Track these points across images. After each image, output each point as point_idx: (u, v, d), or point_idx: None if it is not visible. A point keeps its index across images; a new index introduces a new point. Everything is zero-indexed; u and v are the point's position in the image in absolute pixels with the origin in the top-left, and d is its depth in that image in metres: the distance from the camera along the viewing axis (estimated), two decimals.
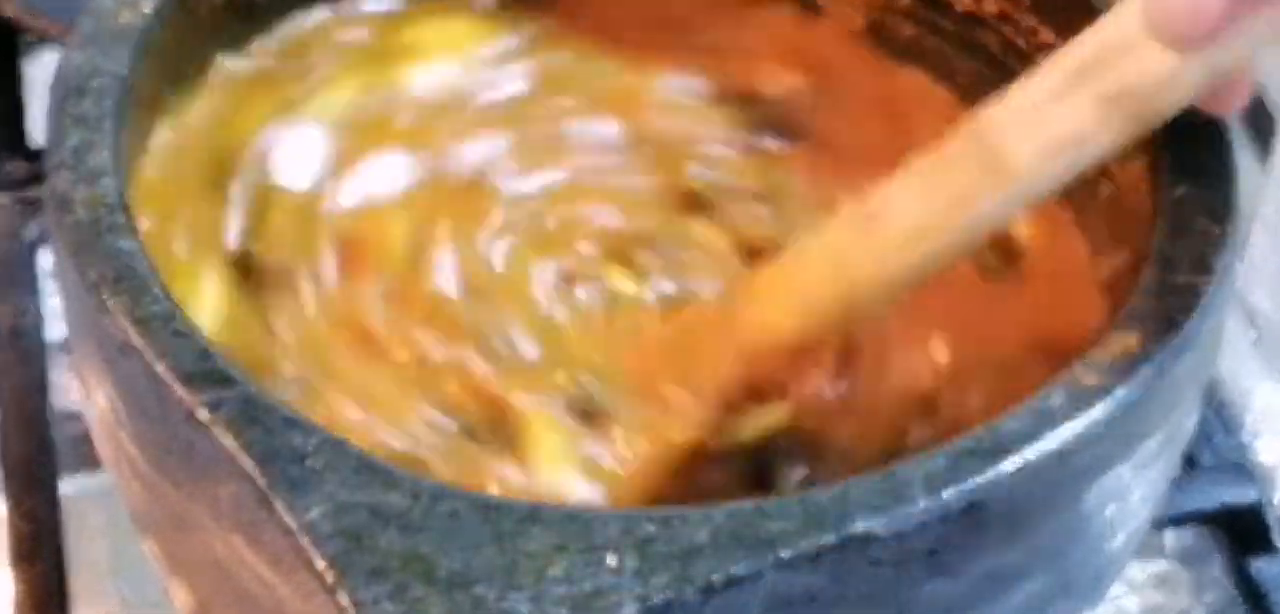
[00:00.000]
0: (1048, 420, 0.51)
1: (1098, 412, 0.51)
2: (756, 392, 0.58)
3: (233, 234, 0.62)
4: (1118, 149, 0.54)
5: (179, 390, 0.50)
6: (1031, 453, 0.50)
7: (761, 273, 0.59)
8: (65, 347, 0.72)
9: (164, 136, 0.62)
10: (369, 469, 0.48)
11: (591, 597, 0.46)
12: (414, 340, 0.61)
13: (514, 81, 0.69)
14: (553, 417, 0.59)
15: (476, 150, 0.66)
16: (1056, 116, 0.53)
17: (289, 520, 0.47)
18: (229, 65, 0.65)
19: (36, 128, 0.81)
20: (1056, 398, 0.51)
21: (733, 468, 0.58)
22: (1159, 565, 0.72)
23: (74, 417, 0.71)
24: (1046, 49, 0.65)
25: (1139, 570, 0.71)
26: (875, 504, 0.48)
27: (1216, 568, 0.71)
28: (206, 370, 0.50)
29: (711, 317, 0.60)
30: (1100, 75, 0.52)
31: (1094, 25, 0.54)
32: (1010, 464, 0.50)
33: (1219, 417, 0.75)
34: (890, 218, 0.55)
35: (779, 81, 0.69)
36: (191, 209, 0.62)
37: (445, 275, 0.63)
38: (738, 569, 0.47)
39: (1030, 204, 0.55)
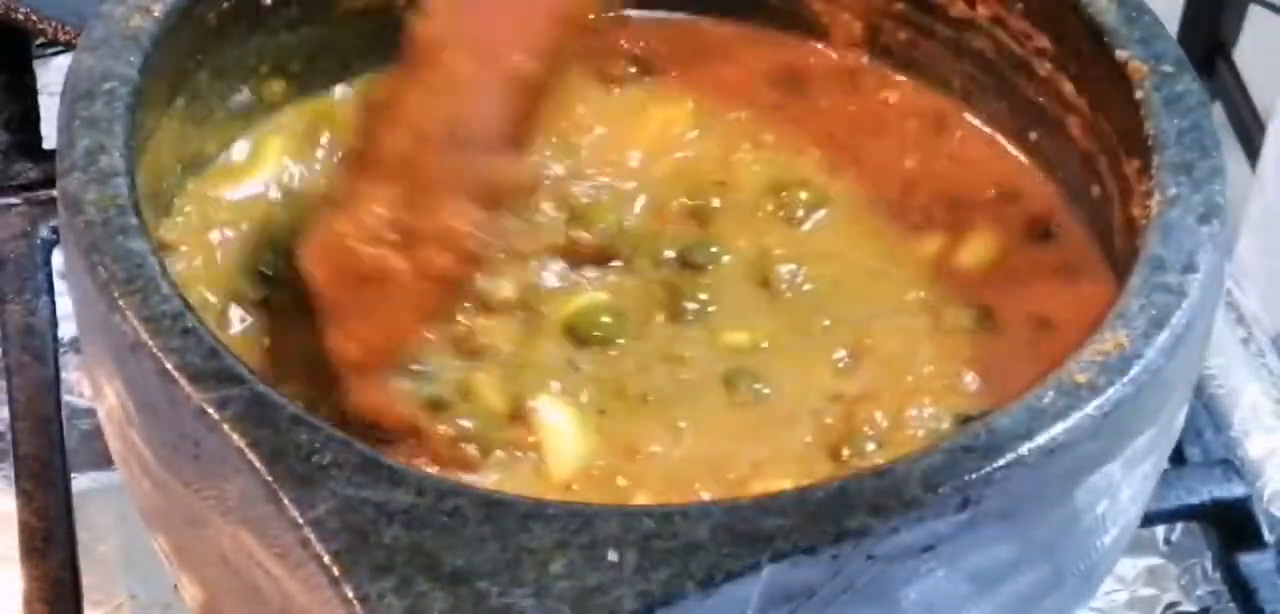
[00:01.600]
0: (1040, 418, 0.51)
1: (1089, 409, 0.52)
2: None
3: None
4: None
5: (188, 388, 0.50)
6: (1024, 450, 0.50)
7: None
8: (76, 345, 0.72)
9: None
10: (374, 466, 0.49)
11: (593, 592, 0.47)
12: None
13: None
14: None
15: None
16: None
17: (296, 516, 0.48)
18: None
19: (49, 130, 0.81)
20: (1048, 396, 0.52)
21: None
22: (1148, 560, 0.71)
23: (85, 414, 0.72)
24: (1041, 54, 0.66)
25: (1128, 565, 0.71)
26: (872, 501, 0.49)
27: (1206, 563, 0.71)
28: (215, 368, 0.51)
29: None
30: None
31: None
32: (1004, 461, 0.50)
33: (1208, 412, 0.75)
34: None
35: None
36: None
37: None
38: (736, 564, 0.48)
39: None
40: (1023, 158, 0.68)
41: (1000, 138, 0.68)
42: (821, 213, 0.67)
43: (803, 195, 0.67)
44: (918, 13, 0.69)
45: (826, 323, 0.63)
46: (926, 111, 0.69)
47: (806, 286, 0.64)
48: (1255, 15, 0.99)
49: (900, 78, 0.70)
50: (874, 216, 0.67)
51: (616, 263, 0.64)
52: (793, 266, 0.64)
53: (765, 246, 0.65)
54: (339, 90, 0.69)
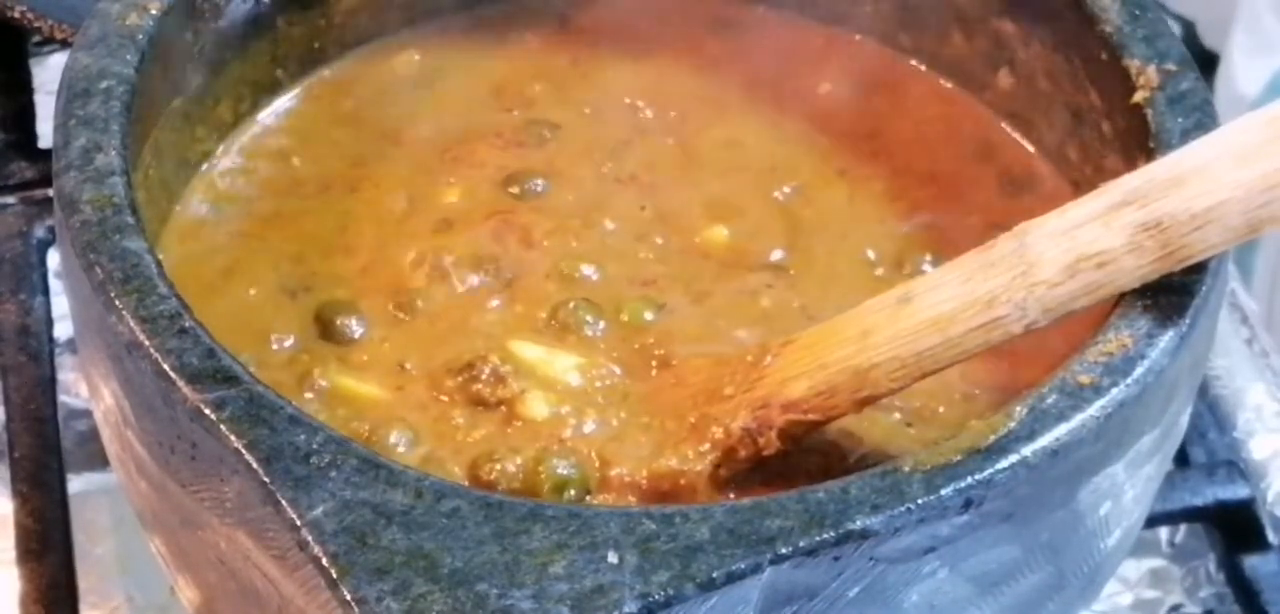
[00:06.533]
0: (1043, 419, 0.51)
1: (1092, 411, 0.51)
2: (758, 449, 0.57)
3: None
4: (1146, 280, 0.53)
5: (185, 388, 0.50)
6: (1027, 451, 0.50)
7: (800, 336, 0.59)
8: (72, 345, 0.72)
9: None
10: (372, 467, 0.49)
11: (593, 594, 0.47)
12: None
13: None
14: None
15: None
16: (1090, 235, 0.53)
17: (293, 517, 0.48)
18: None
19: (45, 129, 0.81)
20: (1052, 397, 0.51)
21: None
22: (1152, 562, 0.71)
23: (81, 415, 0.72)
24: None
25: (1132, 567, 0.71)
26: (873, 502, 0.49)
27: (1209, 564, 0.71)
28: (212, 369, 0.51)
29: (742, 366, 0.60)
30: (1142, 204, 0.52)
31: (1154, 162, 0.54)
32: (1006, 462, 0.50)
33: (1212, 414, 0.75)
34: (923, 303, 0.55)
35: None
36: None
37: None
38: (737, 566, 0.47)
39: (1050, 316, 0.54)
40: (1028, 148, 0.68)
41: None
42: None
43: None
44: None
45: None
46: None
47: None
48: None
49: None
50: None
51: None
52: None
53: None
54: (334, 82, 0.70)
